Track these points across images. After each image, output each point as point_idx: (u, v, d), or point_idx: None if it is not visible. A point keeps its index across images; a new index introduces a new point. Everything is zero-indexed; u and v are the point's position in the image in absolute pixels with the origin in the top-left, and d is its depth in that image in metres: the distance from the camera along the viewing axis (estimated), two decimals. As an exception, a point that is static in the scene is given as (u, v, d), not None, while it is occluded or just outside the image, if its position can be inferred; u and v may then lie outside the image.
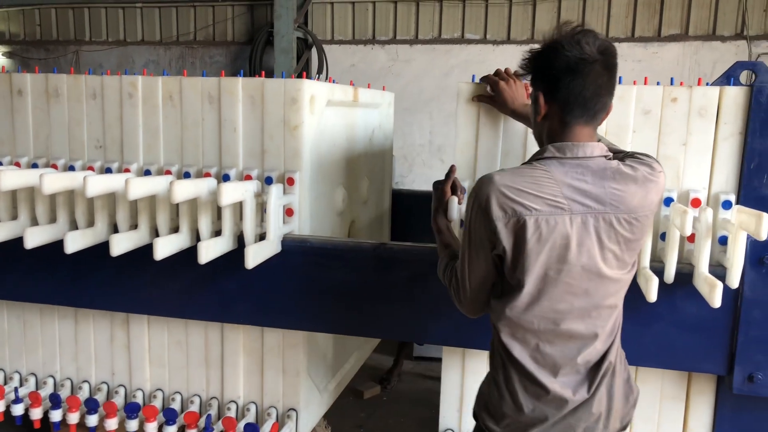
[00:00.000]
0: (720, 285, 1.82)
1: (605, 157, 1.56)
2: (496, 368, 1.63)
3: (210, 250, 2.13)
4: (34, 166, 2.60)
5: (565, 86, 1.52)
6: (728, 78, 2.57)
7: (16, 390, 2.67)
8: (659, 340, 2.12)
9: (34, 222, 2.44)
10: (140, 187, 2.11)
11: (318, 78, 6.59)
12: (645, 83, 2.22)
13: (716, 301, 1.81)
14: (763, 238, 1.76)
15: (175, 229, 2.32)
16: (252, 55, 6.81)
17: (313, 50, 6.75)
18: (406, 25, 6.74)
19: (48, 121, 2.60)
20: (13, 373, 2.81)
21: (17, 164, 2.62)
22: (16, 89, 2.61)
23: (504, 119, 2.23)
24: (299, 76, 6.63)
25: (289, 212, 2.35)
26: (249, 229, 2.22)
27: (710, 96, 2.10)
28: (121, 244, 2.18)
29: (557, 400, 1.54)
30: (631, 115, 2.15)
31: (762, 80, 2.51)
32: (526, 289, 1.50)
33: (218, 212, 2.31)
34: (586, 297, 1.52)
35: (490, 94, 2.18)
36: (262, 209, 2.27)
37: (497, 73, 2.18)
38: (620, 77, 1.83)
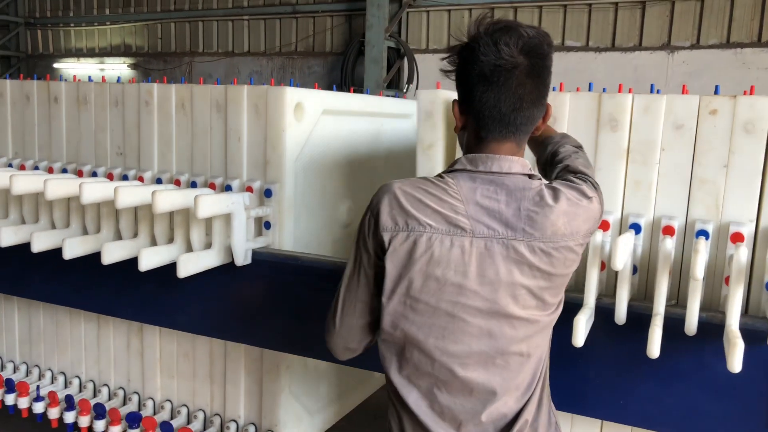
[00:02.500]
0: (740, 345, 1.45)
1: (528, 175, 1.28)
2: (389, 419, 1.38)
3: (190, 265, 2.05)
4: (64, 171, 2.68)
5: (478, 98, 1.26)
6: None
7: (38, 388, 2.76)
8: (683, 404, 1.75)
9: (42, 227, 2.50)
10: (129, 197, 2.08)
11: (407, 87, 6.47)
12: (684, 92, 1.87)
13: (735, 364, 1.45)
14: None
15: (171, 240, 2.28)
16: (344, 65, 6.83)
17: (406, 60, 6.64)
18: (503, 32, 6.45)
19: (78, 128, 2.67)
20: (46, 370, 2.91)
21: (50, 170, 2.71)
22: (53, 96, 2.71)
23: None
24: (389, 86, 6.56)
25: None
26: (236, 243, 2.12)
27: (759, 108, 1.70)
28: (114, 253, 2.17)
29: None
30: (659, 129, 1.80)
31: None
32: (411, 317, 1.26)
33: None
34: (489, 340, 1.25)
35: None
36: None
37: None
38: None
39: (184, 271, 2.05)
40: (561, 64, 6.03)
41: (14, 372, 2.95)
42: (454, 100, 1.36)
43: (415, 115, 3.04)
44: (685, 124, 1.78)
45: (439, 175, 1.32)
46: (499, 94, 1.25)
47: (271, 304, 2.23)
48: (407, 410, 1.31)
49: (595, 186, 1.36)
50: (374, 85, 6.34)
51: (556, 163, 1.49)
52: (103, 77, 8.52)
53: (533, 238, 1.23)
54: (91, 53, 8.89)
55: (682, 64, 5.72)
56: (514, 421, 1.30)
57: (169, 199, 2.04)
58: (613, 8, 5.99)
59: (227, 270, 2.21)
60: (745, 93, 1.83)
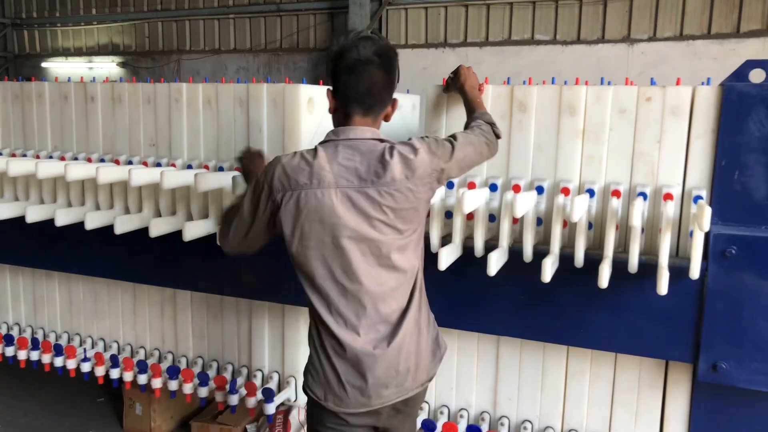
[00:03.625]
0: (665, 273, 1.93)
1: (379, 140, 1.80)
2: (310, 329, 1.93)
3: (191, 231, 2.47)
4: (102, 161, 3.07)
5: (344, 83, 1.79)
6: (738, 76, 2.62)
7: (84, 351, 3.15)
8: (631, 329, 2.22)
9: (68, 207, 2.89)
10: (173, 179, 2.49)
11: (389, 81, 6.89)
12: (627, 83, 2.33)
13: (661, 288, 1.92)
14: (705, 229, 1.86)
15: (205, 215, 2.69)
16: (328, 62, 7.21)
17: (386, 55, 7.06)
18: (477, 27, 6.90)
19: (113, 123, 3.06)
20: (87, 337, 3.30)
21: (89, 160, 3.09)
22: (89, 96, 3.09)
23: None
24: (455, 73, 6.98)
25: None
26: None
27: (683, 95, 2.18)
28: (158, 227, 2.57)
29: (362, 353, 1.79)
30: (608, 114, 2.27)
31: (773, 78, 2.54)
32: (306, 254, 1.79)
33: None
34: (363, 259, 1.77)
35: (450, 77, 2.38)
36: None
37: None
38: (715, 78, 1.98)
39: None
40: (531, 56, 6.52)
41: (57, 340, 3.34)
42: (328, 89, 1.88)
43: (407, 106, 3.49)
44: (627, 109, 2.25)
45: (315, 147, 1.82)
46: (357, 80, 1.77)
47: (291, 266, 2.65)
48: (321, 322, 1.84)
49: (429, 142, 1.86)
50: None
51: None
52: (82, 78, 8.79)
53: (379, 185, 1.75)
54: (79, 52, 9.14)
55: (641, 55, 6.24)
56: (400, 319, 1.84)
57: (208, 180, 2.46)
58: (578, 4, 6.48)
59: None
60: (678, 82, 2.30)
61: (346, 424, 1.88)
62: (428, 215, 2.35)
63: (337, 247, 1.77)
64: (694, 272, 2.02)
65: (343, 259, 1.78)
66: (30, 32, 9.46)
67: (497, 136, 2.13)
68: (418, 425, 2.54)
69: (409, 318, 1.85)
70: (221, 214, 2.21)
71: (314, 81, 7.26)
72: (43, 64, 9.33)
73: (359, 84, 1.79)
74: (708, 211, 1.90)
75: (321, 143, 1.84)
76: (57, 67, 9.28)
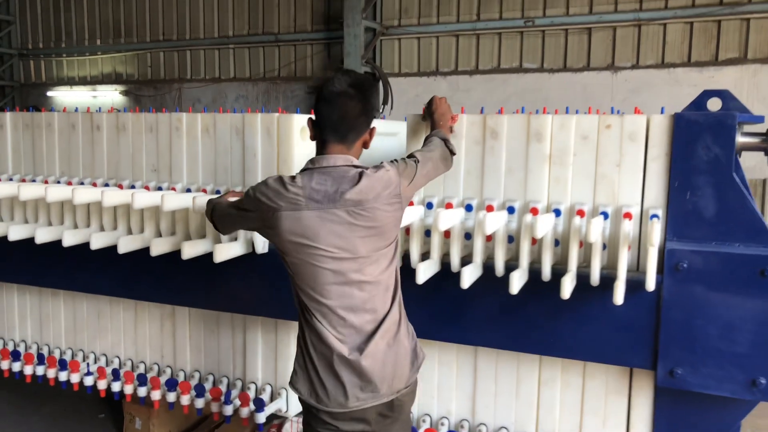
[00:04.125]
0: (620, 285, 2.11)
1: (350, 166, 2.00)
2: (299, 341, 2.11)
3: (223, 252, 2.66)
4: (106, 185, 3.27)
5: (320, 113, 2.01)
6: (697, 105, 2.84)
7: (87, 365, 3.32)
8: (596, 338, 2.40)
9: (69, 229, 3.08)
10: (173, 202, 2.68)
11: (383, 108, 7.13)
12: (589, 112, 2.54)
13: (617, 299, 2.11)
14: (655, 245, 2.05)
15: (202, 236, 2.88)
16: (324, 89, 7.47)
17: (381, 83, 7.31)
18: (467, 56, 7.17)
19: (118, 150, 3.26)
20: (90, 353, 3.47)
21: (94, 184, 3.29)
22: (95, 125, 3.30)
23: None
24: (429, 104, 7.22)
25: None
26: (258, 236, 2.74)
27: (639, 123, 2.38)
28: (159, 247, 2.76)
29: (338, 358, 1.98)
30: (571, 140, 2.47)
31: (727, 107, 2.77)
32: (291, 268, 2.00)
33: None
34: (337, 276, 1.97)
35: (425, 106, 2.59)
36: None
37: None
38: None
39: (219, 258, 2.65)
40: (519, 84, 6.77)
41: (61, 356, 3.51)
42: (309, 118, 2.09)
43: (400, 133, 3.70)
44: (589, 135, 2.45)
45: (295, 175, 2.03)
46: (332, 110, 1.98)
47: (282, 283, 2.82)
48: (305, 323, 2.06)
49: (398, 164, 2.07)
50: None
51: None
52: (88, 108, 9.06)
53: (347, 204, 1.94)
54: (83, 81, 9.43)
55: (625, 82, 6.48)
56: (375, 329, 2.02)
57: (205, 202, 2.65)
58: (564, 33, 6.74)
59: (249, 258, 2.81)
60: (636, 112, 2.50)
61: (329, 426, 2.05)
62: (408, 233, 2.55)
63: (312, 263, 1.97)
64: (650, 285, 2.20)
65: (318, 273, 1.98)
66: (36, 62, 9.76)
67: (452, 153, 2.35)
68: (402, 432, 2.70)
69: (384, 328, 2.04)
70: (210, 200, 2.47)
71: (310, 109, 7.52)
72: (49, 93, 9.61)
73: (333, 113, 1.99)
74: (657, 229, 2.09)
75: (300, 171, 2.05)
76: (62, 95, 9.55)
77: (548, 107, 2.99)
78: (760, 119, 2.49)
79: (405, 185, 2.07)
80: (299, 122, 2.85)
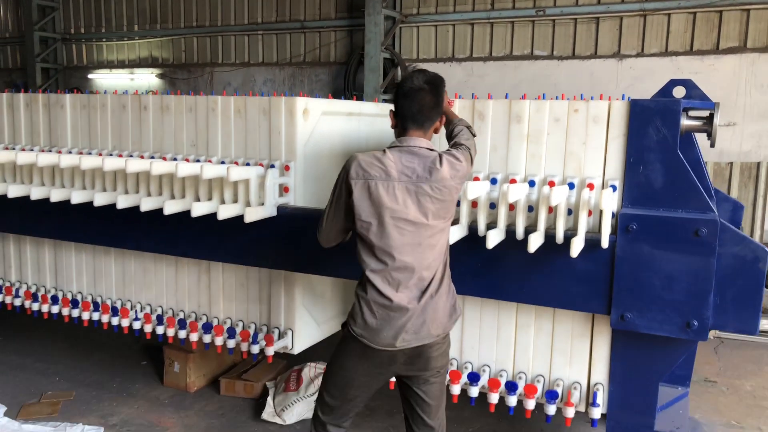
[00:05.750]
0: (576, 241, 2.57)
1: (430, 149, 2.43)
2: (359, 291, 2.50)
3: (252, 214, 3.16)
4: (152, 158, 3.79)
5: (401, 106, 2.43)
6: (663, 93, 3.26)
7: (135, 313, 3.88)
8: (562, 288, 2.85)
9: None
10: (211, 171, 3.19)
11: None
12: (563, 98, 2.97)
13: (572, 252, 2.56)
14: (605, 209, 2.50)
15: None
16: (346, 74, 7.94)
17: (399, 68, 7.75)
18: (481, 43, 7.56)
19: (162, 128, 3.78)
20: (136, 304, 4.02)
21: (141, 157, 3.82)
22: (143, 106, 3.82)
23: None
24: (385, 91, 7.67)
25: (285, 189, 3.33)
26: (252, 198, 3.24)
27: (602, 108, 2.82)
28: (199, 209, 3.27)
29: (397, 307, 2.40)
30: (545, 121, 2.91)
31: (691, 94, 3.19)
32: (371, 230, 2.38)
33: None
34: (413, 238, 2.38)
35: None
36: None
37: None
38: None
39: (249, 218, 3.14)
40: (530, 70, 7.19)
41: (113, 305, 4.06)
42: (390, 110, 2.51)
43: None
44: (561, 118, 2.89)
45: (384, 149, 2.45)
46: (411, 104, 2.41)
47: (302, 239, 3.31)
48: (370, 282, 2.43)
49: (464, 152, 2.50)
50: (372, 91, 7.46)
51: (452, 138, 2.68)
52: (136, 91, 9.64)
53: (431, 181, 2.37)
54: (121, 65, 10.01)
55: (629, 69, 6.83)
56: (429, 284, 2.44)
57: (238, 172, 3.15)
58: (573, 22, 7.09)
59: (274, 220, 3.30)
60: (601, 98, 2.93)
61: (368, 358, 2.47)
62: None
63: (393, 226, 2.36)
64: (604, 243, 2.65)
65: (396, 236, 2.36)
66: (78, 46, 10.38)
67: (474, 136, 2.81)
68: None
69: (435, 285, 2.46)
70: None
71: (334, 91, 7.98)
72: (89, 76, 10.23)
73: (412, 106, 2.43)
74: (608, 196, 2.54)
75: (389, 148, 2.47)
76: (101, 78, 10.16)
77: (557, 93, 3.34)
78: (709, 105, 2.90)
79: (470, 169, 2.55)
80: (302, 104, 3.32)
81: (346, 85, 7.95)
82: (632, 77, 6.76)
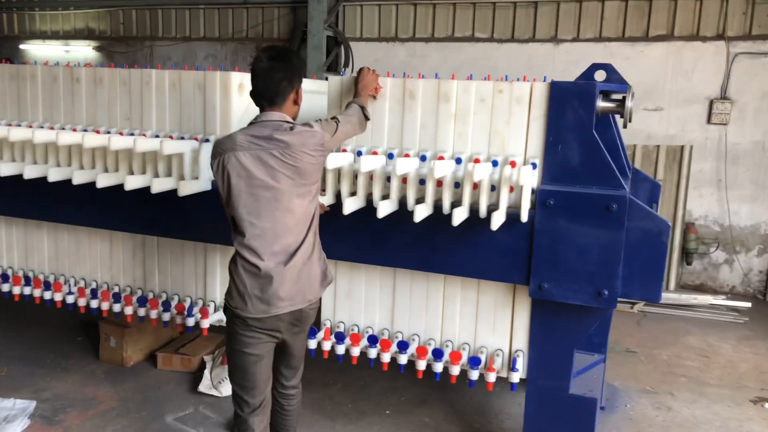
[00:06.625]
0: (497, 215, 2.71)
1: (284, 120, 2.56)
2: (230, 264, 2.63)
3: (185, 188, 3.19)
4: (85, 131, 3.74)
5: (254, 86, 2.57)
6: (585, 76, 3.42)
7: (69, 287, 3.86)
8: (485, 260, 3.01)
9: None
10: (145, 144, 3.20)
11: (344, 71, 7.61)
12: (488, 79, 3.10)
13: (493, 225, 2.71)
14: (522, 185, 2.64)
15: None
16: (289, 51, 7.91)
17: (342, 47, 7.77)
18: (424, 25, 7.65)
19: (95, 100, 3.73)
20: (70, 278, 3.99)
21: (74, 130, 3.76)
22: (75, 78, 3.76)
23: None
24: (328, 69, 7.69)
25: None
26: (186, 172, 3.30)
27: (524, 89, 2.95)
28: (132, 183, 3.28)
29: (265, 274, 2.52)
30: (472, 101, 3.03)
31: (611, 78, 3.36)
32: (230, 201, 2.51)
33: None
34: (268, 203, 2.51)
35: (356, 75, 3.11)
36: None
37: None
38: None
39: (182, 192, 3.17)
40: (471, 52, 7.33)
41: (45, 279, 4.03)
42: (250, 91, 2.61)
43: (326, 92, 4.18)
44: (486, 98, 3.02)
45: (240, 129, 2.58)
46: (261, 82, 2.55)
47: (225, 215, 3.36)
48: (238, 253, 2.57)
49: (327, 124, 2.65)
50: (315, 69, 7.45)
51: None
52: (68, 62, 9.35)
53: (281, 148, 2.49)
54: (56, 36, 9.67)
55: (565, 53, 7.05)
56: (296, 250, 2.56)
57: (172, 145, 3.17)
58: (512, 7, 7.25)
59: (209, 194, 3.33)
60: (524, 80, 3.06)
61: (252, 329, 2.59)
62: (339, 177, 3.10)
63: (248, 194, 2.50)
64: (524, 217, 2.81)
65: (251, 202, 2.51)
66: (9, 15, 9.96)
67: (367, 118, 2.91)
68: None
69: (302, 250, 2.58)
70: None
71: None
72: (21, 46, 9.84)
73: (262, 84, 2.56)
74: (526, 173, 2.69)
75: (247, 125, 2.60)
76: (34, 49, 9.79)
77: (496, 74, 3.43)
78: (623, 88, 3.08)
79: (325, 139, 2.62)
80: (237, 79, 3.36)
81: (289, 62, 7.93)
82: (568, 61, 6.97)
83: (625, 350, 5.23)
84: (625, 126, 3.02)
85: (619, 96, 3.04)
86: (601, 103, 2.95)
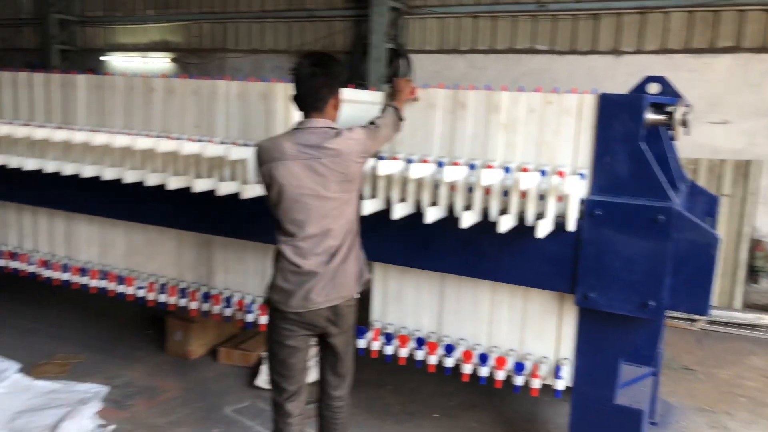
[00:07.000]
0: (543, 223, 2.79)
1: (329, 127, 2.67)
2: (274, 261, 2.77)
3: (248, 191, 3.40)
4: (159, 137, 4.01)
5: (296, 92, 2.70)
6: (639, 88, 3.46)
7: (140, 282, 4.14)
8: (531, 267, 3.08)
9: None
10: (189, 148, 3.42)
11: (404, 82, 7.77)
12: (539, 90, 3.17)
13: (537, 233, 2.78)
14: (569, 194, 2.71)
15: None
16: (351, 63, 8.14)
17: (402, 59, 7.94)
18: (484, 36, 7.72)
19: (168, 109, 4.00)
20: (141, 273, 4.27)
21: (148, 136, 4.04)
22: (150, 87, 4.05)
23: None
24: (389, 81, 7.86)
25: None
26: (249, 177, 3.47)
27: (573, 101, 3.02)
28: (200, 185, 3.51)
29: (306, 272, 2.67)
30: (522, 112, 3.12)
31: (665, 91, 3.39)
32: (281, 207, 2.64)
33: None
34: (317, 210, 2.63)
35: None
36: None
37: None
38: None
39: (246, 195, 3.38)
40: (531, 64, 7.37)
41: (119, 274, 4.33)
42: (291, 95, 2.74)
43: (373, 101, 4.31)
44: (535, 109, 3.10)
45: (284, 133, 2.71)
46: (304, 88, 2.67)
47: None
48: (281, 252, 2.71)
49: (367, 129, 2.76)
50: (375, 80, 7.65)
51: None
52: (144, 74, 9.88)
53: (329, 155, 2.61)
54: (135, 48, 10.26)
55: (627, 65, 6.98)
56: (336, 251, 2.69)
57: (237, 151, 3.39)
58: (573, 18, 7.25)
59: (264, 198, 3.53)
60: (574, 91, 3.13)
61: (291, 323, 2.74)
62: (390, 183, 3.24)
63: (297, 202, 2.63)
64: (571, 226, 2.87)
65: (301, 210, 2.63)
66: (93, 29, 10.63)
67: (401, 119, 3.01)
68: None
69: (342, 250, 2.71)
70: None
71: (339, 80, 8.16)
72: (104, 58, 10.48)
73: (305, 90, 2.69)
74: (573, 182, 2.76)
75: (291, 130, 2.73)
76: (115, 61, 10.42)
77: (556, 86, 3.49)
78: (672, 101, 3.10)
79: (369, 144, 2.76)
80: (289, 89, 3.49)
81: (350, 73, 8.15)
82: (629, 73, 6.86)
83: (682, 367, 5.13)
84: (675, 138, 3.04)
85: (670, 108, 3.06)
86: (650, 116, 2.98)
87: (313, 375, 3.15)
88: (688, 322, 6.08)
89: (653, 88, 3.52)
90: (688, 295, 2.82)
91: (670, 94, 3.45)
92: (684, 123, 3.14)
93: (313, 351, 2.89)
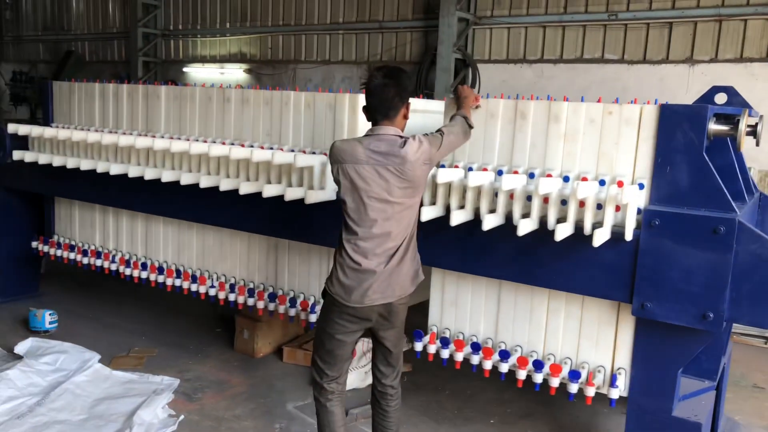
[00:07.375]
0: (600, 232, 2.80)
1: (398, 135, 2.80)
2: (336, 256, 2.92)
3: (312, 197, 3.56)
4: (232, 144, 4.25)
5: (369, 102, 2.83)
6: (705, 98, 3.44)
7: (212, 281, 4.38)
8: (588, 276, 3.08)
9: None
10: (260, 155, 3.61)
11: (471, 92, 7.83)
12: (599, 101, 3.19)
13: (594, 242, 2.80)
14: (627, 203, 2.73)
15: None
16: (419, 73, 8.27)
17: (470, 69, 8.01)
18: (552, 46, 7.70)
19: (242, 118, 4.24)
20: (213, 273, 4.52)
21: (223, 143, 4.28)
22: (226, 98, 4.29)
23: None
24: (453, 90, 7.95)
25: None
26: (315, 183, 3.65)
27: (634, 111, 3.02)
28: (270, 191, 3.71)
29: (365, 270, 2.80)
30: (581, 122, 3.15)
31: (732, 101, 3.36)
32: (347, 206, 2.79)
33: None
34: (381, 213, 2.77)
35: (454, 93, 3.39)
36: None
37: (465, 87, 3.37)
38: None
39: (309, 200, 3.54)
40: (600, 74, 7.32)
41: (193, 273, 4.58)
42: (363, 106, 2.90)
43: (438, 110, 4.40)
44: (595, 119, 3.12)
45: (358, 137, 2.85)
46: (376, 99, 2.81)
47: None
48: (344, 248, 2.85)
49: (433, 137, 2.88)
50: (443, 90, 7.76)
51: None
52: (221, 84, 10.33)
53: (395, 163, 2.74)
54: (213, 60, 10.77)
55: (701, 75, 6.81)
56: (395, 252, 2.82)
57: (305, 159, 3.56)
58: (645, 27, 7.13)
59: (335, 202, 3.68)
60: (635, 101, 3.13)
61: (345, 317, 2.89)
62: (449, 191, 3.33)
63: (364, 203, 2.79)
64: (628, 235, 2.88)
65: (367, 212, 2.79)
66: (175, 41, 11.23)
67: (470, 126, 3.12)
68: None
69: (400, 251, 2.86)
70: None
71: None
72: (184, 69, 11.05)
73: (377, 100, 2.84)
74: (631, 192, 2.77)
75: (363, 136, 2.90)
76: (194, 71, 10.96)
77: (626, 97, 3.55)
78: (737, 112, 3.05)
79: (433, 152, 2.87)
80: (360, 100, 3.66)
81: (418, 83, 8.28)
82: (703, 83, 6.71)
83: (752, 385, 4.96)
84: (738, 149, 2.99)
85: (735, 119, 3.02)
86: (714, 126, 2.95)
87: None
88: (763, 341, 5.85)
89: (720, 98, 3.47)
90: (750, 307, 2.77)
91: (737, 105, 3.39)
92: (754, 134, 3.09)
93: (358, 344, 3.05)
